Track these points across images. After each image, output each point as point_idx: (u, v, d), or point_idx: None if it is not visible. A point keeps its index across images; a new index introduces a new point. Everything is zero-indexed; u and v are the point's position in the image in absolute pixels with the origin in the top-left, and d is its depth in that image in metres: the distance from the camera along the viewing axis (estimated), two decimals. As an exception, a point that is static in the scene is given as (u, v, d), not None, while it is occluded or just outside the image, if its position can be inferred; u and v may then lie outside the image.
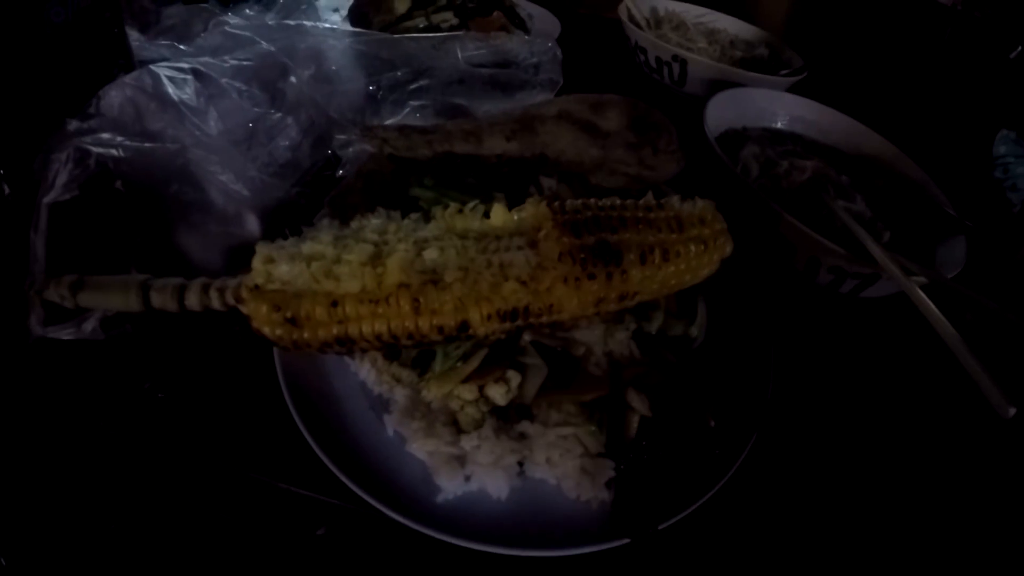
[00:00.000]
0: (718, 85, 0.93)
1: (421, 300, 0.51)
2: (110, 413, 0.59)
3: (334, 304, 0.50)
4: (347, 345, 0.52)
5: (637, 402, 0.57)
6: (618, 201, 0.58)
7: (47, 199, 0.62)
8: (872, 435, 0.70)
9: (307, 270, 0.50)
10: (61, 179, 0.63)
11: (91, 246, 0.64)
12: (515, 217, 0.56)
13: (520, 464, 0.56)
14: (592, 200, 0.58)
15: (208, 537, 0.55)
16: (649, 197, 0.59)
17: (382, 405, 0.59)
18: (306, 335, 0.50)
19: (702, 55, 0.99)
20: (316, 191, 0.75)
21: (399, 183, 0.70)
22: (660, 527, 0.52)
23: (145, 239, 0.66)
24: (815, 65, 1.04)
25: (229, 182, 0.68)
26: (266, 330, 0.50)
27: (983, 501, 0.67)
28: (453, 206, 0.56)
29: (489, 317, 0.52)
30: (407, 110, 0.79)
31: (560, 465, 0.55)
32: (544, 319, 0.55)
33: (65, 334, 0.61)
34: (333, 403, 0.59)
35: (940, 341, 0.59)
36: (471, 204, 0.56)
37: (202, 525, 0.55)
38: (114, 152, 0.65)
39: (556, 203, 0.57)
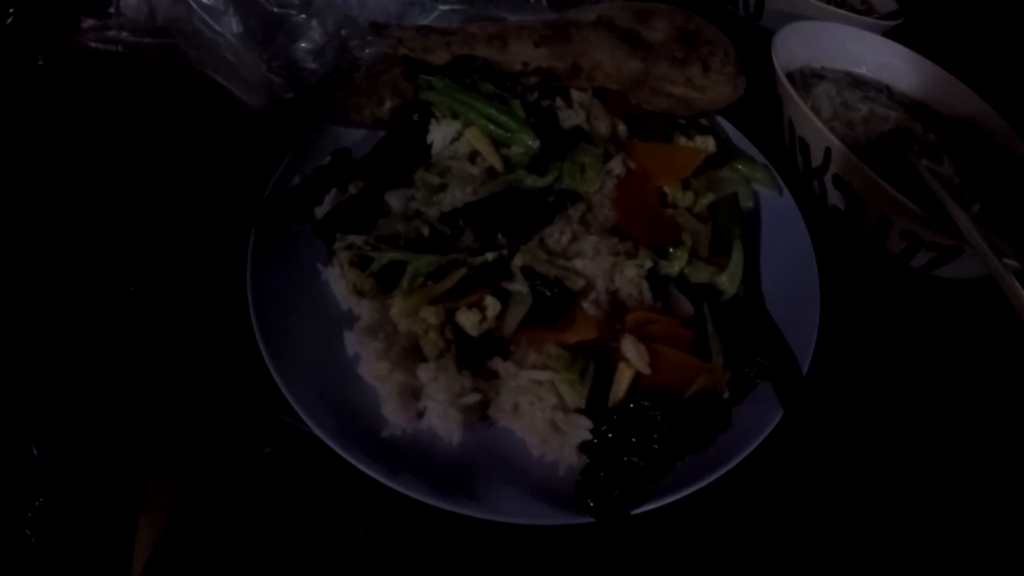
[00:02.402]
0: (800, 20, 0.70)
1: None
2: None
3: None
4: None
5: (633, 354, 0.40)
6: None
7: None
8: (923, 441, 0.50)
9: None
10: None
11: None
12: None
13: (486, 408, 0.42)
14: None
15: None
16: None
17: (349, 322, 0.45)
18: None
19: (783, -12, 0.76)
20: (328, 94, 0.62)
21: (410, 86, 0.55)
22: (632, 512, 0.37)
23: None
24: (914, 12, 0.78)
25: (228, 80, 0.56)
26: None
27: None
28: None
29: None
30: (436, 14, 0.63)
31: (528, 415, 0.40)
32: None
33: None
34: (298, 311, 0.45)
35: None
36: None
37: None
38: (114, 49, 0.55)
39: None
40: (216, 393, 0.46)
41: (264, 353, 0.42)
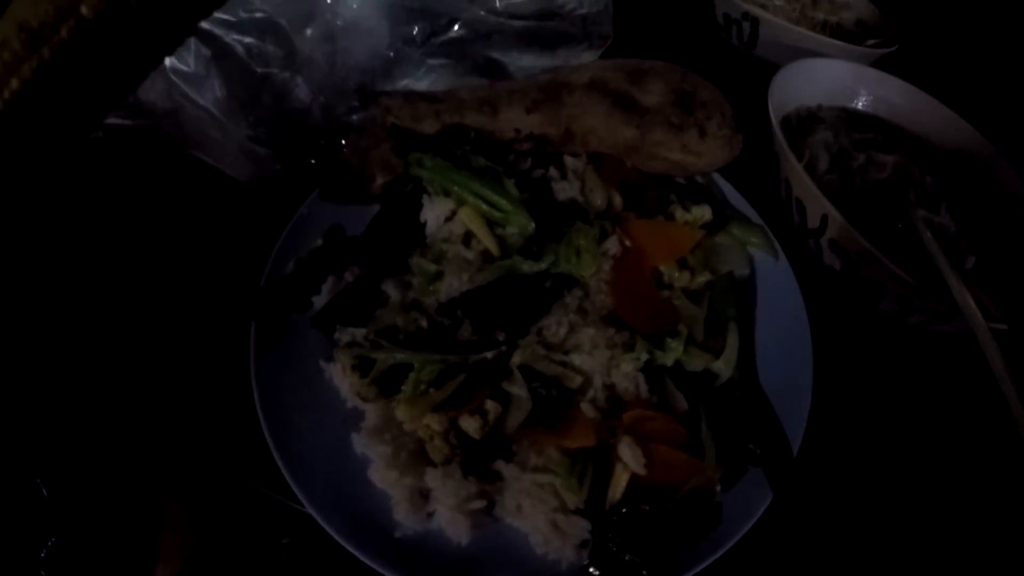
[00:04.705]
0: (793, 50, 0.70)
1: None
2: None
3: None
4: None
5: (630, 457, 0.43)
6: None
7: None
8: (923, 519, 0.53)
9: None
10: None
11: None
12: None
13: (492, 506, 0.44)
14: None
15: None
16: None
17: (355, 419, 0.48)
18: None
19: (778, 14, 0.74)
20: (319, 164, 0.61)
21: (400, 161, 0.55)
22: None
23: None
24: (909, 36, 0.77)
25: (214, 157, 0.56)
26: None
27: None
28: None
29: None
30: (423, 69, 0.62)
31: (531, 516, 0.43)
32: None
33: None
34: (305, 410, 0.47)
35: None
36: None
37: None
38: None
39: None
40: (231, 483, 0.49)
41: (276, 455, 0.44)
